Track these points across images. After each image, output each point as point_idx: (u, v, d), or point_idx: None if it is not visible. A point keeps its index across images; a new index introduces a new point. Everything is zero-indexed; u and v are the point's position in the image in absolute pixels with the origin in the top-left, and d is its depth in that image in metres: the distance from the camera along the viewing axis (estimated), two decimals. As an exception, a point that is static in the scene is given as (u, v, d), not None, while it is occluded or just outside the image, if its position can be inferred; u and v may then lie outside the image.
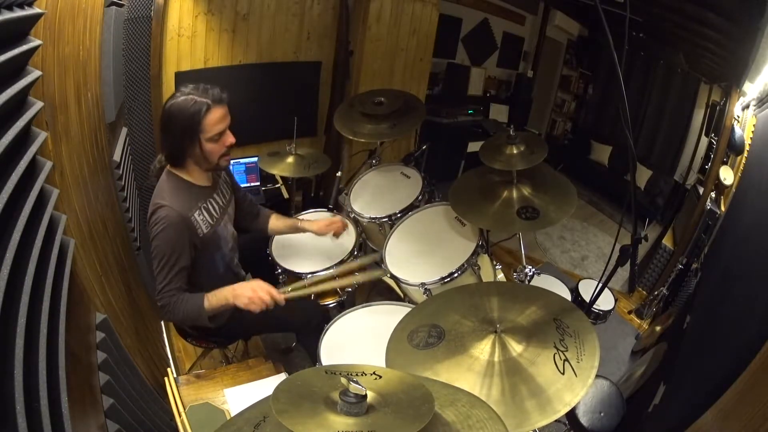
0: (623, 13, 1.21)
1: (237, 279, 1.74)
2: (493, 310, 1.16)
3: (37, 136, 0.94)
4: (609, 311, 2.26)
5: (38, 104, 0.96)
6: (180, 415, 1.31)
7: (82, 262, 1.25)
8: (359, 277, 1.80)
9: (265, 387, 1.46)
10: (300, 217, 2.03)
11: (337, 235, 1.89)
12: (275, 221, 1.87)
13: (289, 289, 1.59)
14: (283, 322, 1.78)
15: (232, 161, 2.47)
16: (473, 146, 4.27)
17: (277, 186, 3.05)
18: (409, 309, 1.41)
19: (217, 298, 1.45)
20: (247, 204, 1.83)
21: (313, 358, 1.53)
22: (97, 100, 1.69)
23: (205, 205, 1.52)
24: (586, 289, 2.31)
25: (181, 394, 1.39)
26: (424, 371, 1.02)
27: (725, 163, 3.19)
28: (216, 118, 1.40)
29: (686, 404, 1.28)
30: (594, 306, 1.88)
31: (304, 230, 1.86)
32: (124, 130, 2.09)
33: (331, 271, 1.80)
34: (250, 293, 1.44)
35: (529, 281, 1.89)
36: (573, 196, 1.74)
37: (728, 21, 2.39)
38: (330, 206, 2.17)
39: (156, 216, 1.39)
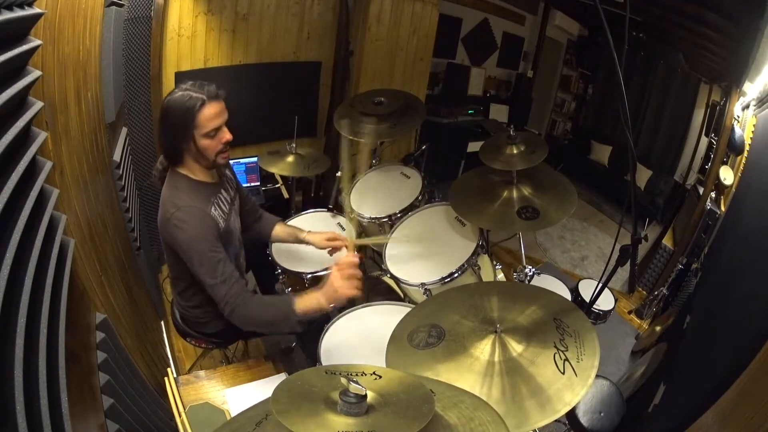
0: (623, 13, 1.21)
1: (240, 275, 1.74)
2: (493, 310, 1.16)
3: (37, 136, 0.94)
4: (609, 311, 2.26)
5: (38, 104, 0.96)
6: (180, 415, 1.31)
7: (82, 262, 1.25)
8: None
9: (265, 387, 1.46)
10: (300, 226, 1.95)
11: (332, 253, 1.82)
12: (279, 229, 1.85)
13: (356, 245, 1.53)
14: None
15: (231, 161, 2.47)
16: (473, 146, 4.27)
17: (277, 186, 3.05)
18: (409, 309, 1.40)
19: (307, 304, 1.33)
20: (250, 205, 1.83)
21: (313, 360, 1.53)
22: (97, 100, 1.69)
23: (215, 200, 1.52)
24: (586, 289, 2.31)
25: (181, 394, 1.39)
26: (424, 371, 1.02)
27: (725, 163, 3.19)
28: (211, 114, 1.38)
29: (686, 404, 1.28)
30: (594, 306, 1.88)
31: (305, 242, 1.82)
32: (124, 130, 2.09)
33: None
34: (347, 286, 1.32)
35: (529, 281, 1.89)
36: (573, 196, 1.74)
37: (728, 21, 2.38)
38: (330, 206, 2.17)
39: (176, 218, 1.35)
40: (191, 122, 1.37)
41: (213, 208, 1.48)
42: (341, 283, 1.32)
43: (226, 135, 1.46)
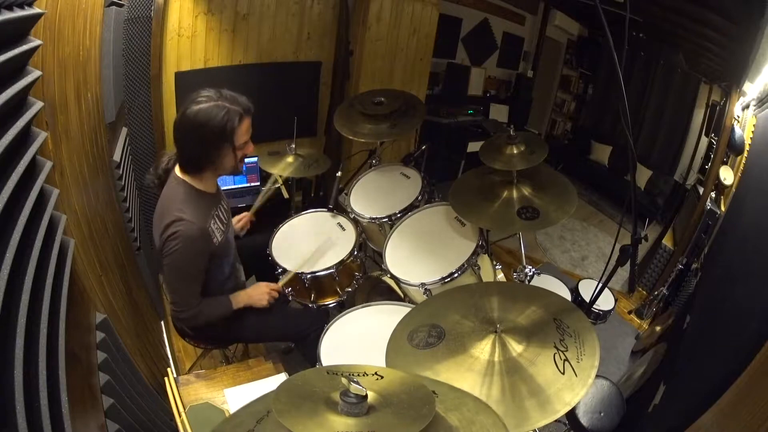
0: (623, 13, 1.21)
1: (237, 281, 1.74)
2: (493, 310, 1.16)
3: (37, 136, 0.94)
4: (609, 311, 2.26)
5: (38, 104, 0.96)
6: (180, 415, 1.31)
7: (82, 262, 1.25)
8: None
9: (265, 387, 1.45)
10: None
11: (241, 229, 1.92)
12: None
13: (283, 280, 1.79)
14: (282, 331, 1.81)
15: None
16: (473, 146, 4.28)
17: (277, 186, 3.04)
18: (409, 309, 1.40)
19: (237, 301, 1.61)
20: None
21: (313, 360, 1.54)
22: (97, 100, 1.69)
23: (216, 212, 1.52)
24: (586, 289, 2.31)
25: (181, 394, 1.39)
26: (425, 371, 1.02)
27: (725, 163, 3.19)
28: (246, 128, 1.43)
29: (686, 404, 1.28)
30: (594, 306, 1.88)
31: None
32: (124, 130, 2.09)
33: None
34: (259, 299, 1.65)
35: (529, 281, 1.89)
36: (573, 196, 1.74)
37: (728, 21, 2.39)
38: (330, 206, 2.16)
39: (175, 230, 1.36)
40: (230, 135, 1.38)
41: (213, 222, 1.48)
42: (260, 296, 1.66)
43: (251, 146, 1.50)
